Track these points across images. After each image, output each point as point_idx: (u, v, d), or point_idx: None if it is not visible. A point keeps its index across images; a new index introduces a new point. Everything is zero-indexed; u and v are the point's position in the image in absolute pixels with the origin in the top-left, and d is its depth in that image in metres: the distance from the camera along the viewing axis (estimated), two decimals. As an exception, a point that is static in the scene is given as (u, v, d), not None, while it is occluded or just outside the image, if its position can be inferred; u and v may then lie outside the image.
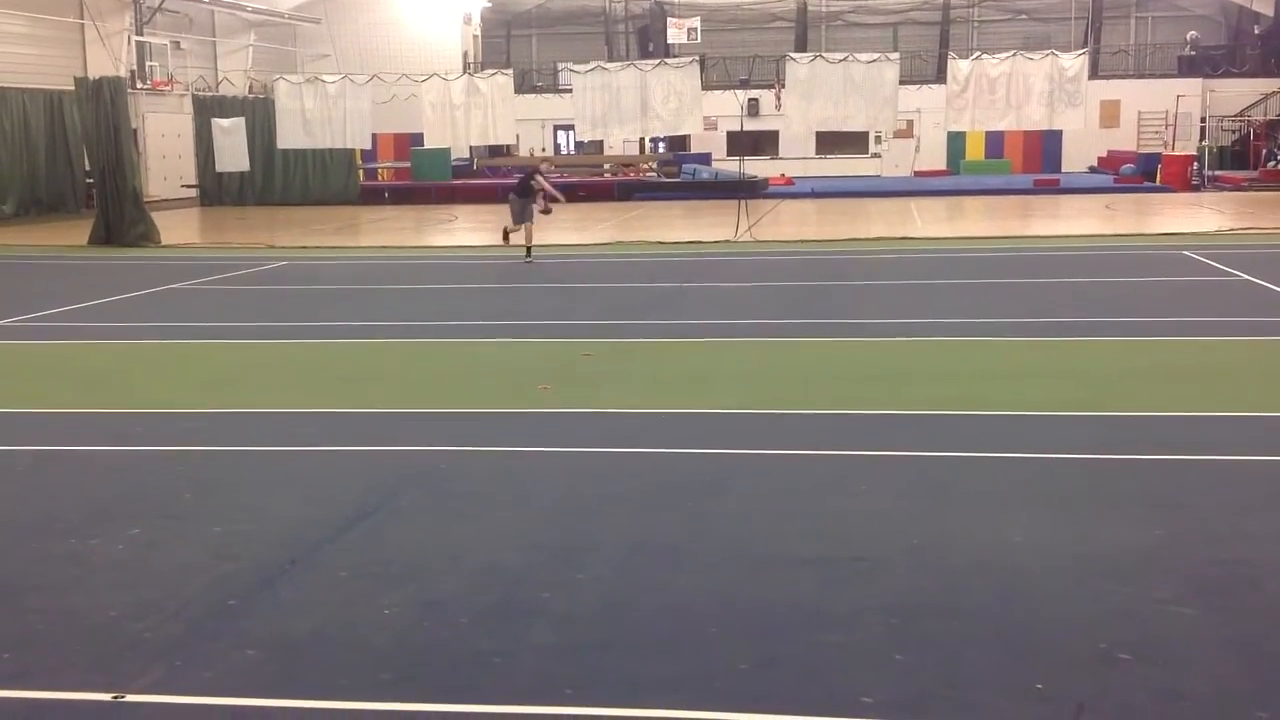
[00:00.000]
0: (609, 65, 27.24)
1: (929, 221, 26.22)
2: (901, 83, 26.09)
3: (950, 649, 4.86)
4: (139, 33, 34.69)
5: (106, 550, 6.20)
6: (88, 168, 28.05)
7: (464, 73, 32.46)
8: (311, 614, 5.30)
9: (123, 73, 32.55)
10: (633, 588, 5.58)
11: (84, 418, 9.31)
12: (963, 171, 41.73)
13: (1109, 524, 6.33)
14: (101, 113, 23.49)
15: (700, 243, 22.30)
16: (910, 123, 42.27)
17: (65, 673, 4.78)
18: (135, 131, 28.17)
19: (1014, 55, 25.23)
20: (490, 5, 50.28)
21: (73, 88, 25.25)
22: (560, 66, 45.19)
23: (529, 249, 20.01)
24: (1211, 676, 4.62)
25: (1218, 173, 36.50)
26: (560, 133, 46.51)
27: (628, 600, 5.42)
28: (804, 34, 49.71)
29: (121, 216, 23.68)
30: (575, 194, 34.97)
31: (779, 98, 31.06)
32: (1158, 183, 35.35)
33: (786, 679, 4.65)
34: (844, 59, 24.95)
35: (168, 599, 5.48)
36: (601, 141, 35.22)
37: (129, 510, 6.85)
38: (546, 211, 20.32)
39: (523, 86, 40.71)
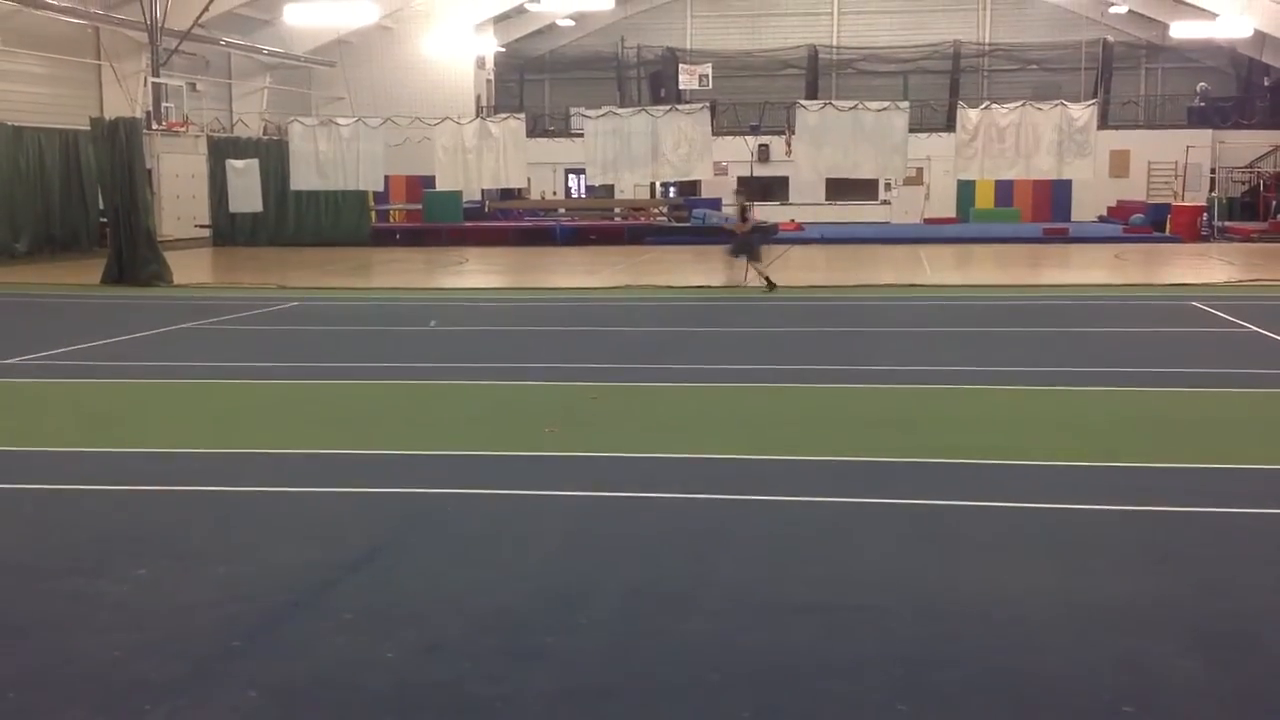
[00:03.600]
0: (620, 110, 27.47)
1: (938, 269, 26.26)
2: (911, 130, 26.29)
3: (953, 699, 4.86)
4: (155, 74, 35.01)
5: (112, 590, 6.22)
6: (102, 207, 28.24)
7: (476, 116, 32.72)
8: (314, 656, 5.31)
9: (138, 113, 32.81)
10: (635, 633, 5.59)
11: (92, 457, 9.35)
12: (972, 219, 41.81)
13: (1112, 575, 6.32)
14: (116, 153, 23.66)
15: (709, 287, 22.36)
16: (920, 170, 42.43)
17: (69, 712, 4.79)
18: (150, 172, 28.35)
19: (1023, 105, 25.41)
20: (504, 50, 50.72)
21: (88, 127, 25.46)
22: (572, 111, 45.56)
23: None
24: (1214, 730, 4.62)
25: (1227, 224, 36.55)
26: (571, 176, 46.76)
27: (630, 646, 5.43)
28: (814, 81, 50.04)
29: (134, 256, 23.79)
30: (586, 237, 35.28)
31: (789, 144, 31.28)
32: (1167, 233, 35.41)
33: (788, 727, 4.65)
34: (854, 106, 25.14)
35: (172, 639, 5.50)
36: (612, 186, 35.37)
37: (135, 550, 6.87)
38: None
39: (535, 130, 41.10)
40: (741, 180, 26.48)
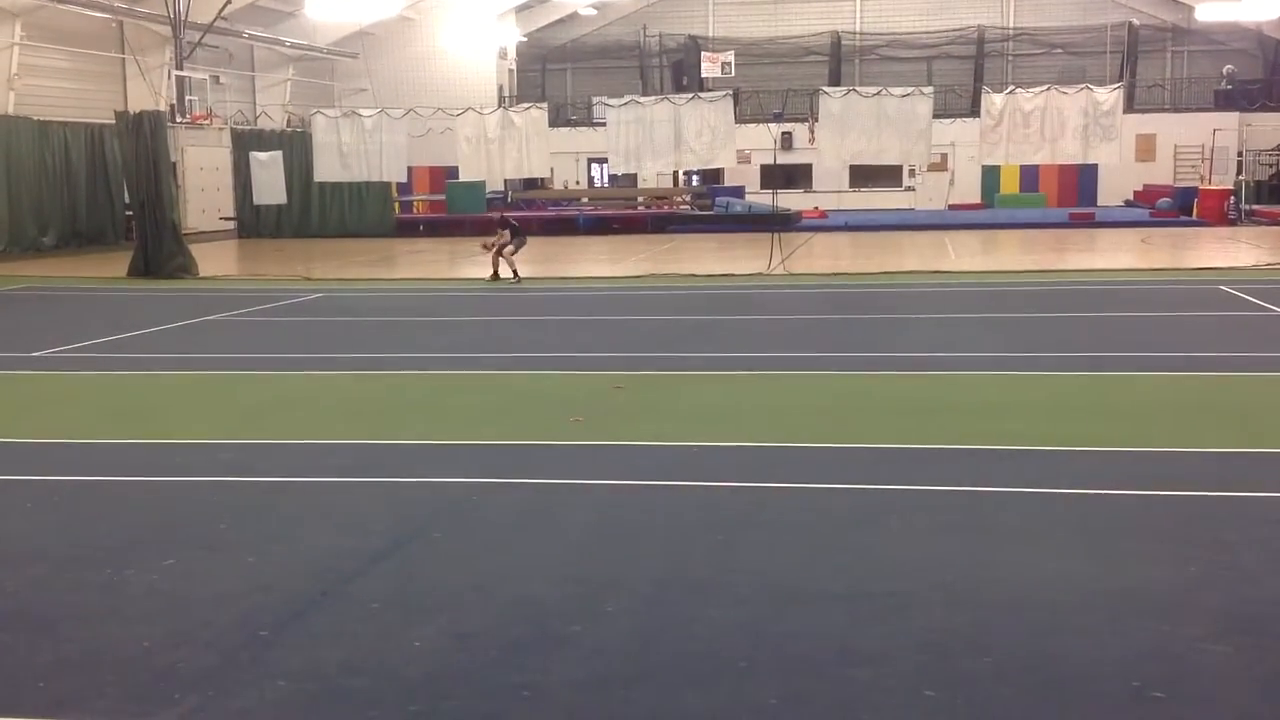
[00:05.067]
0: (643, 99, 27.38)
1: (963, 255, 26.17)
2: (935, 116, 26.14)
3: (982, 686, 4.83)
4: (179, 67, 35.11)
5: (141, 580, 6.25)
6: (127, 200, 28.37)
7: (499, 106, 32.70)
8: (342, 645, 5.32)
9: (162, 107, 32.92)
10: (662, 621, 5.58)
11: (120, 448, 9.40)
12: (997, 205, 41.63)
13: (1142, 560, 6.29)
14: (141, 146, 23.74)
15: (733, 275, 22.33)
16: (944, 156, 42.24)
17: (99, 701, 4.82)
18: (174, 165, 28.46)
19: (1048, 89, 25.20)
20: (526, 39, 50.70)
21: (113, 121, 25.57)
22: (594, 100, 45.49)
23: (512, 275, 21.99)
24: (1245, 715, 4.58)
25: (1255, 207, 36.27)
26: (594, 166, 46.74)
27: (657, 634, 5.42)
28: (838, 68, 49.87)
29: (160, 249, 23.90)
30: (609, 226, 35.27)
31: (812, 131, 31.13)
32: (1194, 217, 35.17)
33: (816, 714, 4.64)
34: (878, 93, 24.99)
35: (201, 629, 5.52)
36: (635, 174, 35.33)
37: (164, 540, 6.90)
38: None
39: (557, 120, 41.05)
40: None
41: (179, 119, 33.90)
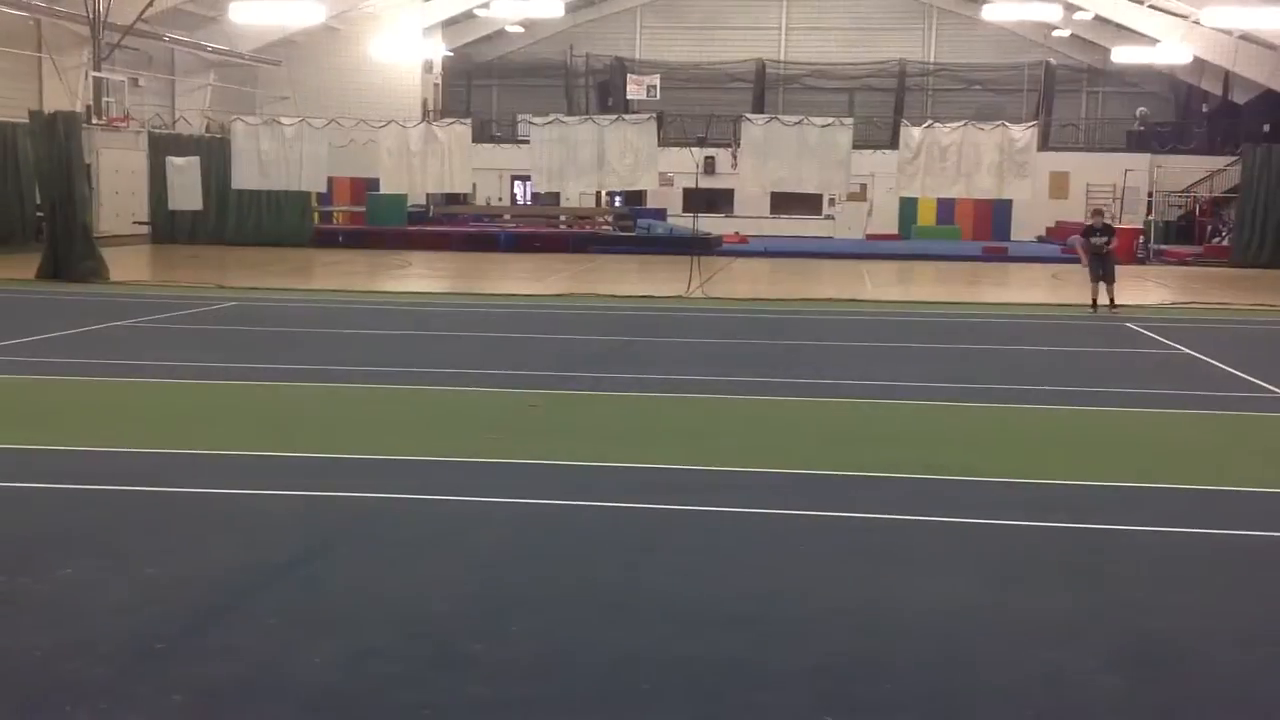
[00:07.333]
0: (567, 119, 27.42)
1: (879, 285, 26.47)
2: (855, 147, 26.43)
3: (880, 712, 4.89)
4: (97, 68, 34.58)
5: (36, 590, 6.12)
6: (39, 201, 27.84)
7: (423, 120, 32.57)
8: (239, 660, 5.25)
9: (78, 107, 32.40)
10: (567, 641, 5.57)
11: (20, 454, 9.20)
12: (914, 236, 42.16)
13: (1040, 591, 6.39)
14: (55, 147, 23.34)
15: (652, 297, 22.39)
16: (864, 186, 42.69)
17: (-14, 713, 4.71)
18: (89, 167, 27.97)
19: (966, 125, 25.63)
20: (452, 54, 50.56)
21: (26, 120, 25.10)
22: (519, 118, 45.41)
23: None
24: (1135, 746, 4.68)
25: (1163, 247, 37.08)
26: (517, 183, 46.64)
27: (561, 654, 5.41)
28: (761, 95, 50.28)
29: (71, 251, 23.48)
30: (531, 244, 35.20)
31: (735, 157, 31.37)
32: (1104, 254, 35.77)
33: (715, 738, 4.65)
34: (799, 121, 25.25)
35: (95, 641, 5.42)
36: (558, 193, 35.30)
37: (61, 549, 6.76)
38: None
39: (481, 136, 40.89)
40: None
41: (95, 120, 33.36)
